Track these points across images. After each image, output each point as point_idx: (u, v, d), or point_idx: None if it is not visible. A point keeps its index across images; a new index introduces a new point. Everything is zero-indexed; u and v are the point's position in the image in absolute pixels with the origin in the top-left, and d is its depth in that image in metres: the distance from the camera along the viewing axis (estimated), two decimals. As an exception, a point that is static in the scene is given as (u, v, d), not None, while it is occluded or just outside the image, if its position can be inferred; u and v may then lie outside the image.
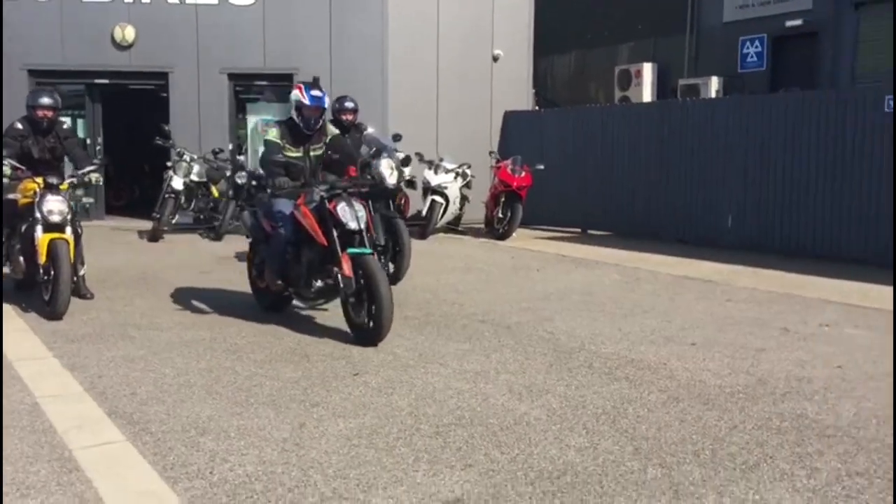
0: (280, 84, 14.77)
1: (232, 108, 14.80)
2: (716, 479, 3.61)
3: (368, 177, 6.40)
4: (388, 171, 8.52)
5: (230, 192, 12.28)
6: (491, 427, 4.27)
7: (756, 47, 15.40)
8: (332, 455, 3.91)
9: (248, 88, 15.13)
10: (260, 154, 6.79)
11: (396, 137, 10.64)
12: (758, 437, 4.12)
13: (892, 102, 9.02)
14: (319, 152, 6.66)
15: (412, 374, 5.21)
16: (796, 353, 5.72)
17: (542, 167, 12.34)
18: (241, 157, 12.82)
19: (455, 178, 12.48)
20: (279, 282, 6.56)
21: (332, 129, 6.86)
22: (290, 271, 6.45)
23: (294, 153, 6.50)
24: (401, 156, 9.93)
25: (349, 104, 9.25)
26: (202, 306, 7.23)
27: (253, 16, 14.29)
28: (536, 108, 16.68)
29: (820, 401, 4.69)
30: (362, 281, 5.83)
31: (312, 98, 6.46)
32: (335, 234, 5.95)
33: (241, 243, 11.37)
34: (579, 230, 13.08)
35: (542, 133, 13.79)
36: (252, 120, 15.02)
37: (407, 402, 4.68)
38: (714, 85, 15.31)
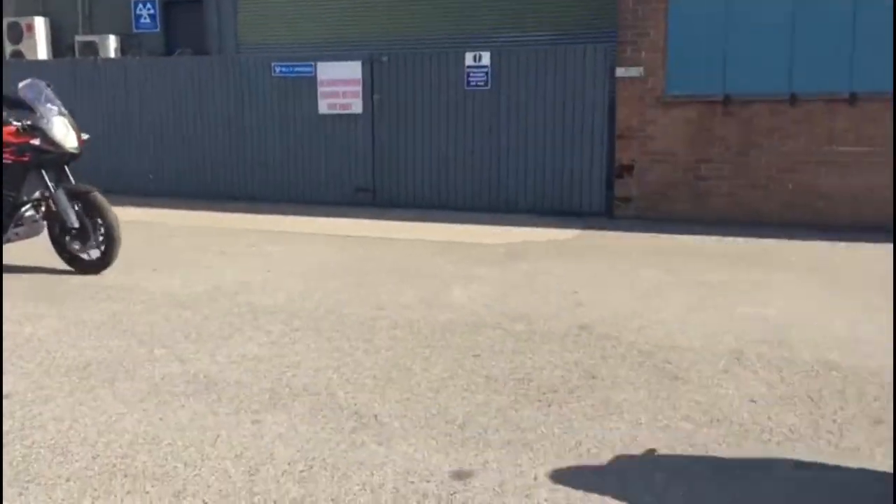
0: None
1: None
2: (207, 345, 5.03)
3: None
4: (63, 130, 6.80)
5: None
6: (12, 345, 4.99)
7: (149, 10, 16.53)
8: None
9: None
10: None
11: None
12: (228, 321, 5.63)
13: (278, 68, 11.23)
14: None
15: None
16: (234, 268, 7.36)
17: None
18: None
19: None
20: None
21: None
22: None
23: None
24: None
25: None
26: None
27: None
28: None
29: (261, 293, 6.41)
30: None
31: None
32: None
33: None
34: None
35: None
36: None
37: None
38: (112, 43, 16.04)
